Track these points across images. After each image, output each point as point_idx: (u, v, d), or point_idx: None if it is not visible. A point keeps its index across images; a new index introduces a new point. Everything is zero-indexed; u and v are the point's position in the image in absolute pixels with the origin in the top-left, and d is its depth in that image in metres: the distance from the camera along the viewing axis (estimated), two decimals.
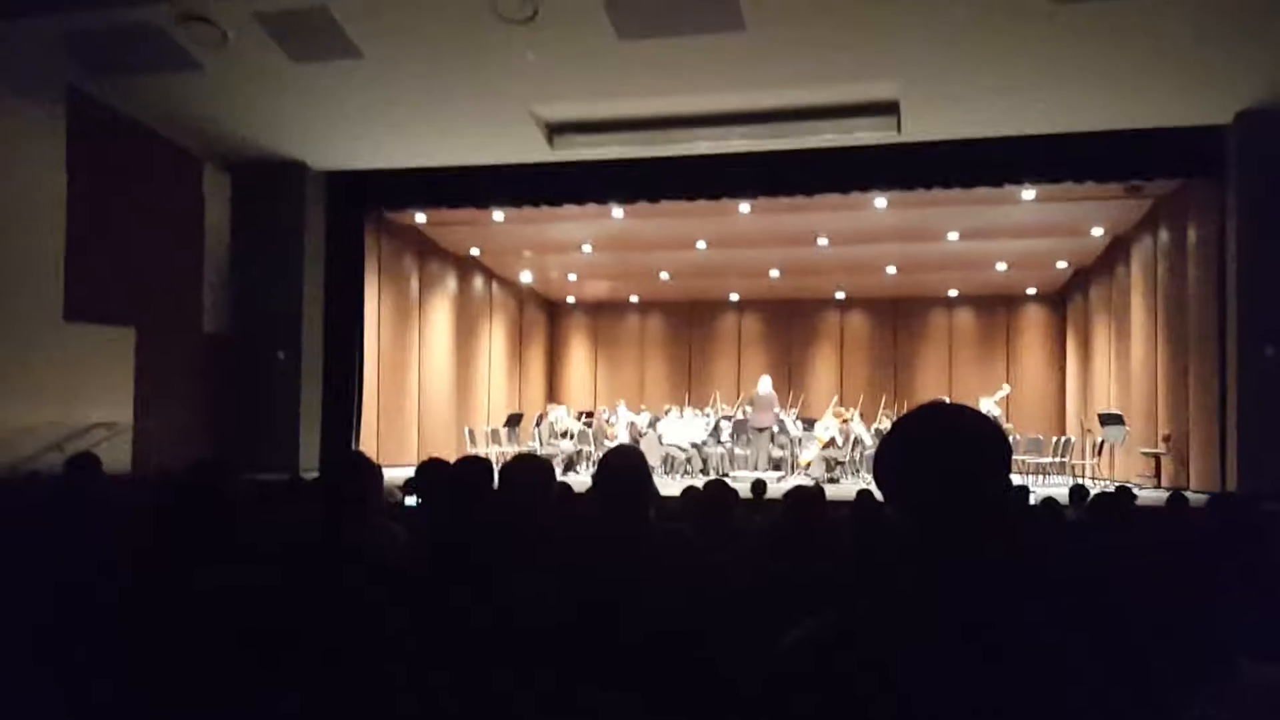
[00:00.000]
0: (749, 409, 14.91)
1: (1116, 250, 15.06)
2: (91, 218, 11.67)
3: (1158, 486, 12.59)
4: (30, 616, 2.59)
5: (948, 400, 17.59)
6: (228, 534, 2.75)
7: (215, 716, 2.28)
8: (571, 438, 15.80)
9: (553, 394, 21.15)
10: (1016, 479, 13.01)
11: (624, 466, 2.93)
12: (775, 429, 14.92)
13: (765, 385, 14.75)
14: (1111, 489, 6.15)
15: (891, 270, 17.59)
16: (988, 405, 14.27)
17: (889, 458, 1.45)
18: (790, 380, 19.81)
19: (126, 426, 12.04)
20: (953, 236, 15.09)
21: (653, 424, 15.66)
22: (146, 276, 12.37)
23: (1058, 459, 14.17)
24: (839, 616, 1.38)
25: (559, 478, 7.00)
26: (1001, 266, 17.08)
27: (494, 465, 3.60)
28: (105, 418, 11.84)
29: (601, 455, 3.09)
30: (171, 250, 12.74)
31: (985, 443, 1.42)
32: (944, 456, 1.39)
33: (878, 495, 1.52)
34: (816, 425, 14.87)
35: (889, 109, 11.04)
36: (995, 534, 1.39)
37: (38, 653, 2.48)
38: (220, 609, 2.38)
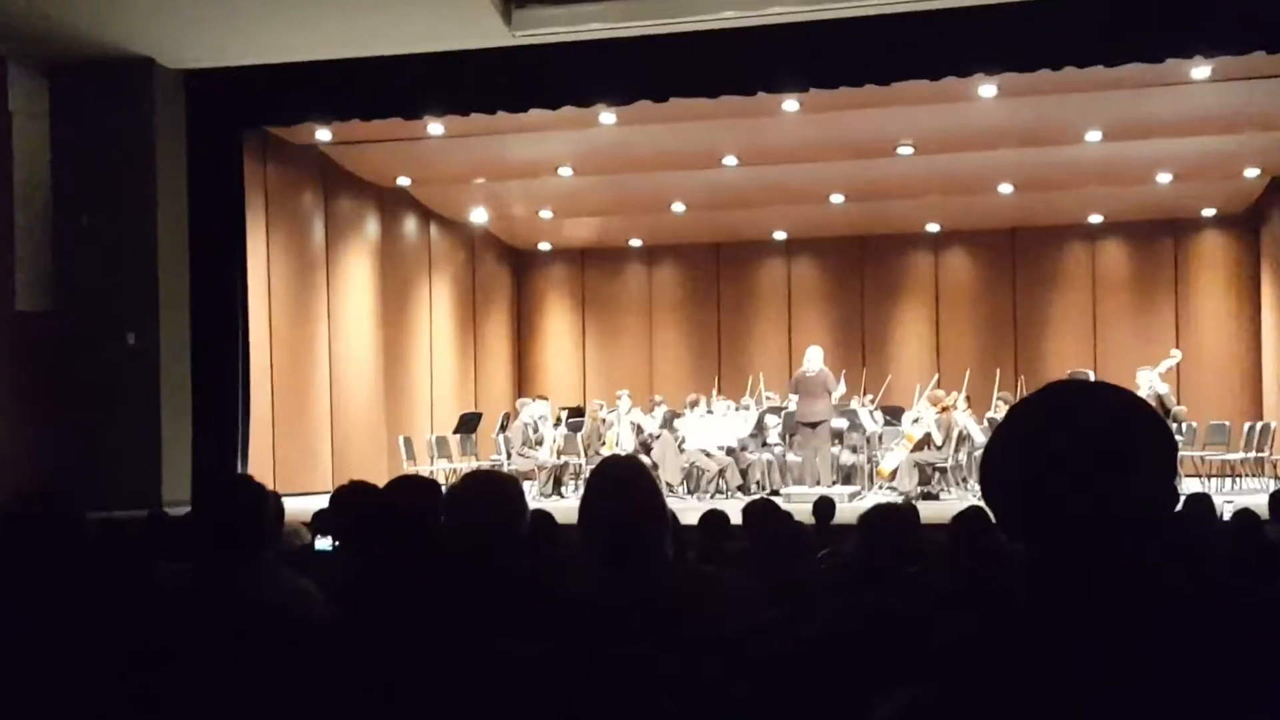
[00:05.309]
0: (794, 396, 14.90)
1: None
2: None
3: None
4: None
5: (1090, 375, 17.30)
6: (71, 591, 2.80)
7: None
8: (554, 446, 15.85)
9: (524, 384, 21.14)
10: (1192, 484, 13.00)
11: (621, 485, 2.95)
12: (845, 424, 14.93)
13: (814, 359, 14.63)
14: None
15: (1006, 189, 17.51)
16: (1148, 380, 14.23)
17: (1003, 462, 1.46)
18: (865, 353, 19.78)
19: None
20: (1093, 137, 15.00)
21: (669, 423, 15.66)
22: None
23: (1253, 454, 14.15)
24: (939, 690, 1.40)
25: (536, 503, 7.01)
26: (1165, 178, 17.00)
27: (442, 488, 3.62)
28: None
29: (593, 469, 3.10)
30: None
31: (1142, 437, 1.43)
32: (1081, 458, 1.40)
33: (990, 515, 1.53)
34: (904, 417, 14.84)
35: None
36: (1157, 567, 1.40)
37: None
38: (70, 688, 2.43)
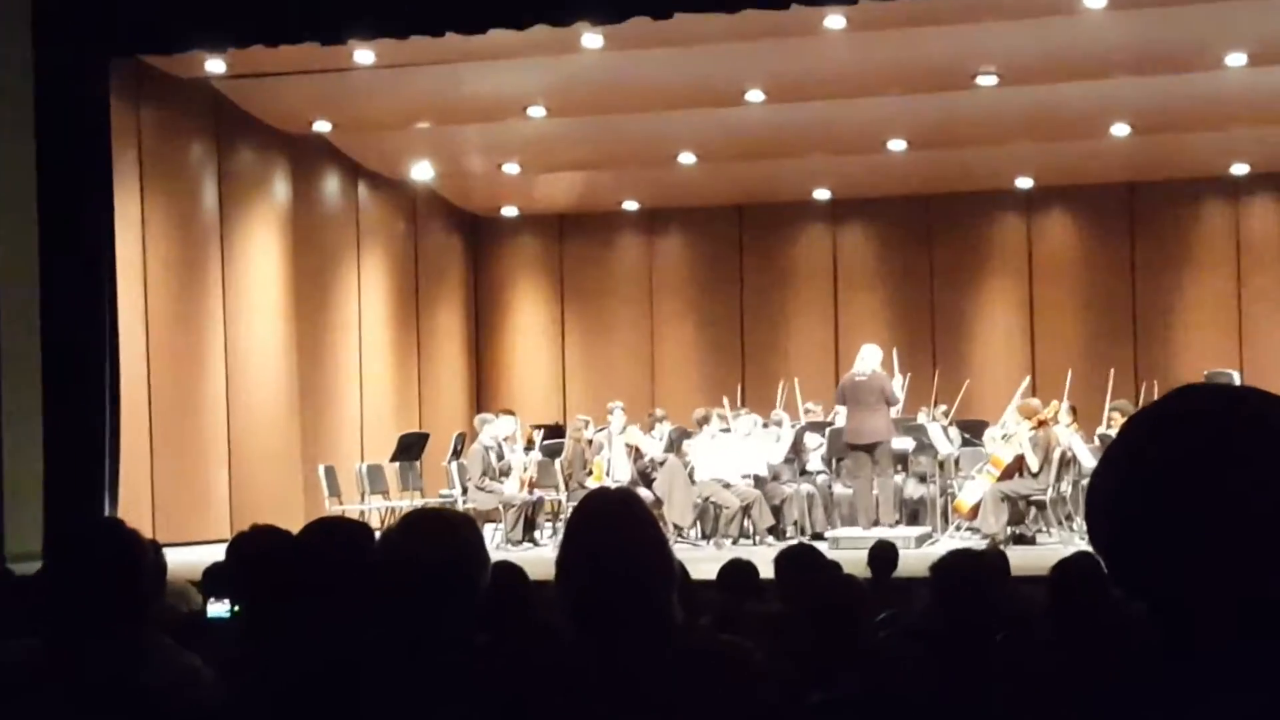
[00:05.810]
0: (842, 409, 14.88)
1: None
2: None
3: None
4: None
5: (1235, 377, 17.28)
6: None
7: None
8: (524, 478, 15.87)
9: (483, 395, 21.16)
10: None
11: (612, 527, 2.95)
12: (910, 444, 14.95)
13: (870, 359, 14.66)
14: None
15: (1121, 130, 17.53)
16: None
17: (1116, 492, 1.46)
18: (936, 350, 19.81)
19: None
20: (1236, 60, 15.02)
21: (676, 445, 15.68)
22: None
23: None
24: None
25: (500, 553, 7.03)
26: None
27: (375, 533, 3.62)
28: None
29: (575, 508, 3.11)
30: None
31: None
32: (1221, 487, 1.39)
33: (1100, 563, 1.52)
34: (988, 434, 14.86)
35: None
36: None
37: None
38: None
